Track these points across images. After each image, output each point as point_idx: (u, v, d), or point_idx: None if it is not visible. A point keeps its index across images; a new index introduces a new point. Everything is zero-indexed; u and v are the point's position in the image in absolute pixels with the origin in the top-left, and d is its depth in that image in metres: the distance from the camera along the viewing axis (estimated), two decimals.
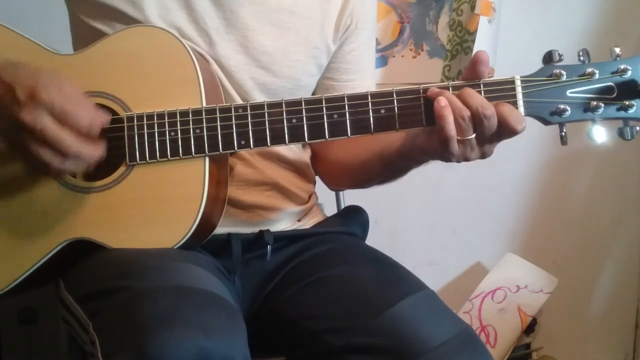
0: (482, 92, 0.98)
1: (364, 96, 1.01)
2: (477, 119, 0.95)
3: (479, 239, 2.33)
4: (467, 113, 0.95)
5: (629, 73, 0.96)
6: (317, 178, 1.35)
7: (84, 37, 1.15)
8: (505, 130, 0.97)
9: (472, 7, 2.08)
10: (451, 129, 0.95)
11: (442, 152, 0.99)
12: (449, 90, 0.98)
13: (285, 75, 1.18)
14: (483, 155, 1.00)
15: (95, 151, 0.98)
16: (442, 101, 0.96)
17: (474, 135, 0.97)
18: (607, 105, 0.97)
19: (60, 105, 0.94)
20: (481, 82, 0.98)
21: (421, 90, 1.00)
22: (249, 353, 0.89)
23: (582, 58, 0.98)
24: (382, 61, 2.23)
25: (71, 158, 0.96)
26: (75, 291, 1.03)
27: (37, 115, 0.93)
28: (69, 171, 1.00)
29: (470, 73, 0.99)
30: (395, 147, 1.09)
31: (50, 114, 0.94)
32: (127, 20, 1.12)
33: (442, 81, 2.10)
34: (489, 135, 0.97)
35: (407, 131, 1.05)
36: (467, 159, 1.00)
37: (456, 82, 0.99)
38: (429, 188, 2.28)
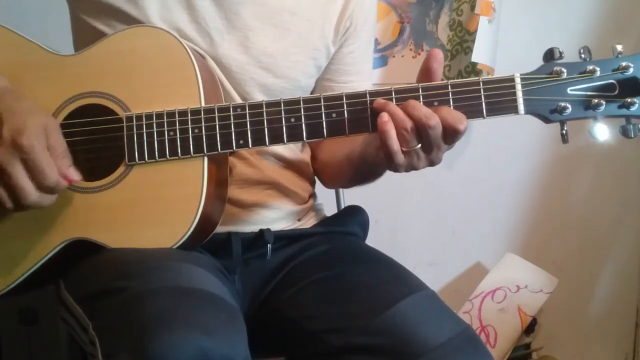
0: (482, 89, 0.98)
1: (362, 95, 1.01)
2: (421, 130, 0.95)
3: (479, 239, 2.33)
4: (409, 125, 0.95)
5: (631, 70, 0.96)
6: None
7: (84, 36, 1.15)
8: (448, 133, 0.96)
9: (472, 7, 2.08)
10: (393, 143, 0.96)
11: (388, 164, 0.99)
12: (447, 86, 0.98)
13: (285, 76, 1.18)
14: (431, 163, 1.00)
15: (52, 200, 0.99)
16: (384, 116, 0.96)
17: (419, 145, 0.97)
18: (608, 103, 0.96)
19: (35, 157, 0.94)
20: (480, 79, 0.98)
21: (420, 89, 0.99)
22: (249, 353, 0.89)
23: (583, 55, 0.98)
24: (382, 61, 2.22)
25: (24, 208, 0.98)
26: (75, 291, 1.03)
27: (10, 159, 0.94)
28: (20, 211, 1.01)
29: (424, 71, 0.99)
30: (358, 152, 1.11)
31: (23, 160, 0.94)
32: (128, 20, 1.12)
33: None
34: (435, 143, 0.97)
35: (366, 137, 1.06)
36: (415, 168, 1.00)
37: (455, 81, 0.99)
38: (429, 188, 2.28)
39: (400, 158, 0.97)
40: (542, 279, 2.18)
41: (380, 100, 0.99)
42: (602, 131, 0.97)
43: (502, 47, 2.13)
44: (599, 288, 2.34)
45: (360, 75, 1.29)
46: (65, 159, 1.00)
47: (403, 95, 0.99)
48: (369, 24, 1.27)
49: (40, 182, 0.96)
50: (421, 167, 1.00)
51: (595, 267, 2.34)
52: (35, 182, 0.96)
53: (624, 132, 0.97)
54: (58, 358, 1.74)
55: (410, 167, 0.99)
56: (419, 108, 0.96)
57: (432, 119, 0.95)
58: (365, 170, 1.15)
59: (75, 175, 1.00)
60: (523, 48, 2.16)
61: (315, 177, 1.34)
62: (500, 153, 2.27)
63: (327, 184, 1.36)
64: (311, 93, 1.27)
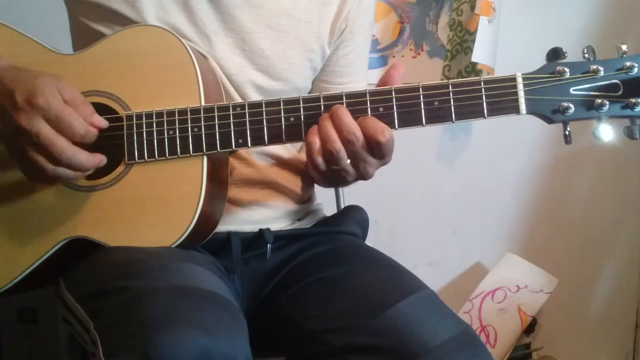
0: (483, 89, 0.97)
1: (362, 94, 1.01)
2: (345, 144, 0.97)
3: (479, 239, 2.33)
4: (337, 145, 0.97)
5: (635, 70, 0.95)
6: None
7: (83, 38, 1.15)
8: (375, 145, 0.98)
9: (472, 7, 2.08)
10: (316, 156, 0.98)
11: (314, 173, 1.02)
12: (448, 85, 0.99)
13: (282, 78, 1.18)
14: (361, 177, 1.02)
15: (89, 159, 0.99)
16: (313, 129, 0.99)
17: (348, 161, 0.99)
18: (612, 103, 0.95)
19: (56, 110, 0.95)
20: (482, 79, 0.98)
21: (420, 89, 0.99)
22: (250, 352, 0.89)
23: (586, 55, 0.97)
24: (382, 61, 2.23)
25: (64, 164, 0.97)
26: (76, 291, 1.03)
27: (32, 119, 0.94)
28: (63, 178, 1.00)
29: (385, 79, 1.01)
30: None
31: (46, 118, 0.95)
32: (126, 22, 1.12)
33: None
34: (361, 157, 0.99)
35: None
36: (344, 181, 1.03)
37: (456, 80, 0.98)
38: (429, 188, 2.28)
39: (324, 168, 0.99)
40: (542, 279, 2.18)
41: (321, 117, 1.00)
42: (607, 132, 0.96)
43: (502, 47, 2.13)
44: (599, 288, 2.34)
45: (356, 77, 1.29)
46: (87, 107, 1.00)
47: (403, 95, 0.99)
48: (365, 25, 1.27)
49: (70, 133, 0.96)
50: (350, 180, 1.03)
51: (595, 267, 2.34)
52: (65, 135, 0.96)
53: (629, 133, 0.96)
54: (58, 358, 1.74)
55: (340, 178, 1.02)
56: (345, 121, 0.97)
57: (353, 133, 0.97)
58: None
59: (101, 121, 1.01)
60: (523, 48, 2.16)
61: None
62: (500, 153, 2.27)
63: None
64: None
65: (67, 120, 0.96)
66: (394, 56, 2.23)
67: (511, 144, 2.24)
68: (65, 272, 1.09)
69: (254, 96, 1.16)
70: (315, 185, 1.35)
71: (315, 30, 1.21)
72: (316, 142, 0.98)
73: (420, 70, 2.22)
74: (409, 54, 2.23)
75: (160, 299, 0.87)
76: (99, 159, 1.01)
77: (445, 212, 2.32)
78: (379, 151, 0.99)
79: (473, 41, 2.05)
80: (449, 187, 2.29)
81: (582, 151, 2.23)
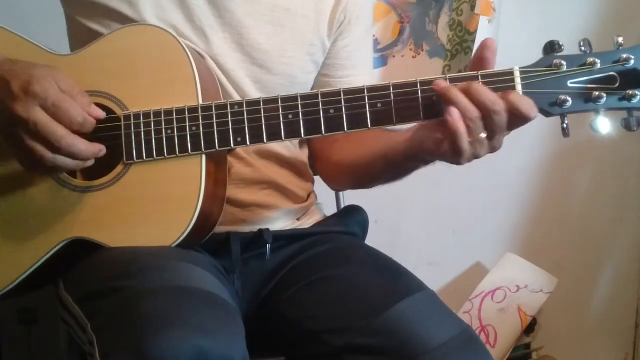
0: (481, 83, 0.96)
1: (360, 90, 1.00)
2: (486, 118, 0.93)
3: (479, 239, 2.33)
4: (476, 115, 0.93)
5: (632, 62, 0.93)
6: (317, 178, 1.35)
7: (80, 38, 1.15)
8: (518, 121, 0.94)
9: (472, 7, 2.08)
10: (464, 143, 0.93)
11: (453, 156, 0.97)
12: (446, 81, 0.96)
13: (281, 72, 1.18)
14: (493, 150, 0.97)
15: (89, 148, 0.98)
16: (455, 114, 0.92)
17: (485, 135, 0.94)
18: (609, 96, 0.94)
19: (54, 99, 0.94)
20: (479, 73, 0.97)
21: (419, 84, 0.99)
22: (247, 353, 0.89)
23: (583, 48, 0.96)
24: (382, 61, 2.22)
25: (63, 152, 0.96)
26: (74, 291, 1.03)
27: (30, 108, 0.94)
28: (62, 167, 0.99)
29: (476, 61, 0.97)
30: (402, 149, 1.07)
31: (43, 107, 0.94)
32: (123, 20, 1.12)
33: None
34: (499, 130, 0.94)
35: (414, 133, 1.03)
36: (477, 157, 0.97)
37: (454, 75, 0.98)
38: (429, 188, 2.27)
39: (467, 149, 0.95)
40: (542, 279, 2.18)
41: (441, 84, 0.96)
42: (604, 124, 0.95)
43: (502, 47, 2.12)
44: (599, 288, 2.33)
45: (357, 70, 1.28)
46: (85, 97, 1.00)
47: (401, 90, 0.99)
48: (364, 17, 1.27)
49: (68, 122, 0.95)
50: (483, 155, 0.97)
51: (595, 267, 2.33)
52: (63, 123, 0.95)
53: (627, 125, 0.95)
54: (58, 358, 1.75)
55: (474, 157, 0.97)
56: (485, 93, 0.93)
57: (497, 104, 0.92)
58: (406, 168, 1.13)
59: (98, 111, 1.00)
60: (523, 48, 2.15)
61: (314, 177, 1.34)
62: (500, 152, 2.26)
63: (340, 186, 1.36)
64: (310, 90, 1.26)
65: (64, 109, 0.95)
66: (394, 56, 2.22)
67: (511, 143, 2.23)
68: (64, 273, 1.09)
69: (253, 92, 1.16)
70: (316, 185, 1.34)
71: (313, 24, 1.21)
72: (462, 126, 0.93)
73: (420, 70, 2.22)
74: (409, 54, 2.23)
75: (157, 299, 0.87)
76: (99, 149, 1.00)
77: (445, 212, 2.31)
78: (519, 125, 0.95)
79: (473, 41, 2.05)
80: (449, 186, 2.28)
81: (581, 150, 2.22)
